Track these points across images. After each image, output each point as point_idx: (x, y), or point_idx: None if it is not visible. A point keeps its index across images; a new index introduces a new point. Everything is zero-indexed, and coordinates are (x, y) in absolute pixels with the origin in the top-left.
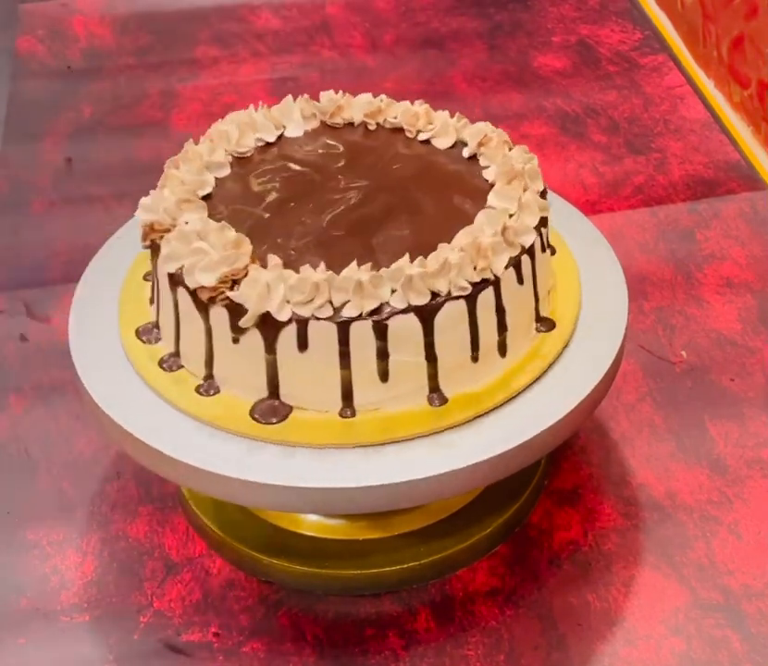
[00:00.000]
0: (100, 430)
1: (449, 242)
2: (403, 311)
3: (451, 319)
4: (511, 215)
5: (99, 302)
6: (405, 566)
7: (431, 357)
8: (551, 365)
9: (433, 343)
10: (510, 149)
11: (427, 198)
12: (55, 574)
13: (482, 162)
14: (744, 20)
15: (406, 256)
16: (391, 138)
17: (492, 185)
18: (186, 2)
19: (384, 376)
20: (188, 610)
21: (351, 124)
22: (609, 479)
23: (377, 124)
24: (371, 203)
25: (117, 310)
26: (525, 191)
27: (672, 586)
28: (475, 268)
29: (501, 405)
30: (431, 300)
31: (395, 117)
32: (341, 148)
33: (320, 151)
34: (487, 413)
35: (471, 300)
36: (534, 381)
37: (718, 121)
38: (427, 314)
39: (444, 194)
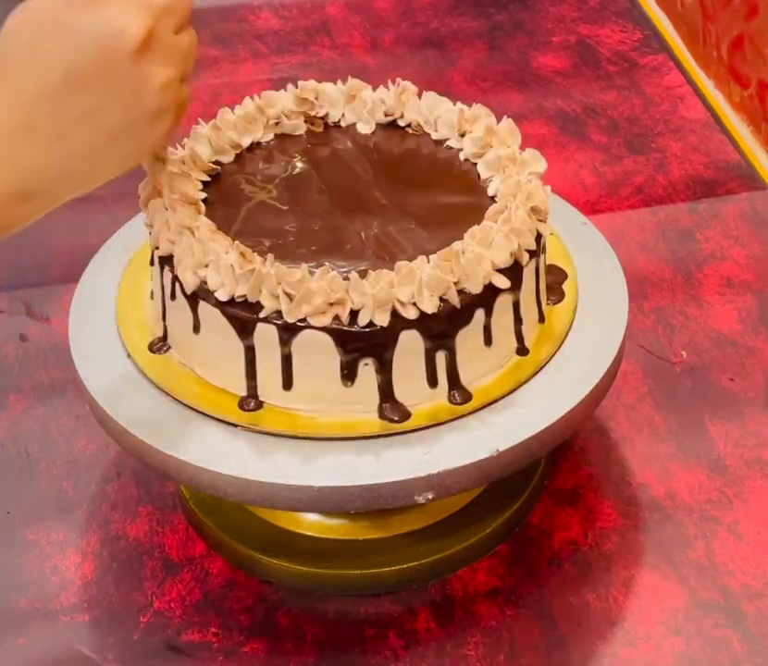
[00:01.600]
0: (100, 430)
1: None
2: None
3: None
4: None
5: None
6: (405, 566)
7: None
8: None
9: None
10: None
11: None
12: (55, 574)
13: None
14: (744, 20)
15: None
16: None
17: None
18: None
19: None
20: (188, 610)
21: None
22: (609, 479)
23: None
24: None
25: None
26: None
27: (672, 587)
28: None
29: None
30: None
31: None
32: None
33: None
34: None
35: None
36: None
37: (718, 121)
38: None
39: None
